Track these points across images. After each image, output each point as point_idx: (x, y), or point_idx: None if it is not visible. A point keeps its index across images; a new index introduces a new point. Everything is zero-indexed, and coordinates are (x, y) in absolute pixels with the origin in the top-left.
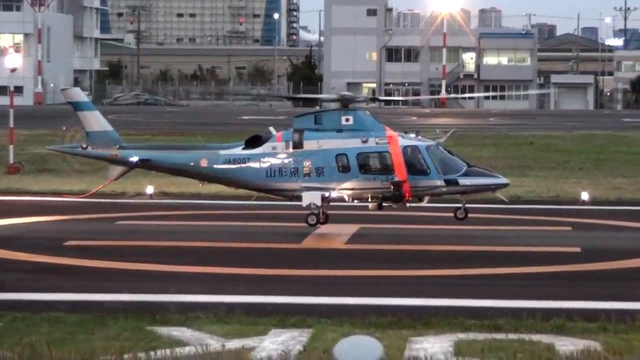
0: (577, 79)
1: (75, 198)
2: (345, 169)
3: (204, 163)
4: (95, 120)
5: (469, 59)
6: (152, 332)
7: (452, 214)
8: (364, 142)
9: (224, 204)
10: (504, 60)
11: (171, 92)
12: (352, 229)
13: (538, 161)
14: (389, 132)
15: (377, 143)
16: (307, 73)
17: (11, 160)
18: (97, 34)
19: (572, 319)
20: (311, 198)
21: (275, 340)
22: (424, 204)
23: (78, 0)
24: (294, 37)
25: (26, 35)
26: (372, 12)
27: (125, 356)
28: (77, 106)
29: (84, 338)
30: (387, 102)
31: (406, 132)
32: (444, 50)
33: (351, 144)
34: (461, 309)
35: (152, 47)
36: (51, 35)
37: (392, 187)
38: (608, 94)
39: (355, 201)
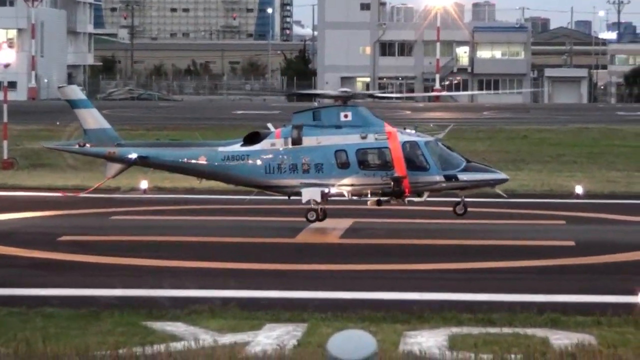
0: (570, 72)
1: (74, 194)
2: (344, 165)
3: (202, 160)
4: (93, 118)
5: (462, 53)
6: (147, 327)
7: (446, 209)
8: (363, 138)
9: (218, 199)
10: (497, 54)
11: (165, 87)
12: (346, 223)
13: (532, 155)
14: (388, 127)
15: (376, 139)
16: (300, 67)
17: (5, 156)
18: (90, 29)
19: (567, 313)
20: (311, 194)
21: (270, 335)
22: (422, 199)
23: None
24: (288, 31)
25: (20, 30)
26: (365, 7)
27: (120, 351)
28: (74, 104)
29: (79, 333)
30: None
31: (405, 128)
32: (438, 44)
33: (350, 140)
34: (455, 303)
35: (146, 42)
36: (45, 31)
37: (391, 183)
38: (602, 87)
39: (355, 197)
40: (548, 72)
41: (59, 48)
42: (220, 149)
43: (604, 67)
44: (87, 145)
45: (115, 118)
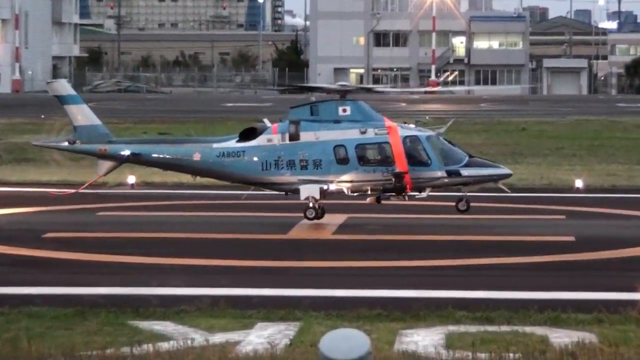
0: (570, 63)
1: (64, 194)
2: (343, 161)
3: (196, 157)
4: (83, 114)
5: (459, 43)
6: (134, 326)
7: (442, 203)
8: (363, 133)
9: (208, 194)
10: (495, 44)
11: (153, 79)
12: (339, 218)
13: (531, 148)
14: (388, 122)
15: (376, 134)
16: (292, 59)
17: None
18: (76, 19)
19: (567, 310)
20: (309, 191)
21: (262, 334)
22: (424, 195)
23: None
24: (279, 21)
25: (3, 21)
26: None
27: (107, 351)
28: (63, 100)
29: (64, 333)
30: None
31: (405, 122)
32: (434, 34)
33: (349, 135)
34: (452, 301)
35: (133, 32)
36: (29, 21)
37: (392, 179)
38: (602, 78)
39: (355, 194)
40: (547, 62)
41: (44, 39)
42: (215, 145)
43: (604, 57)
44: (77, 142)
45: (101, 111)
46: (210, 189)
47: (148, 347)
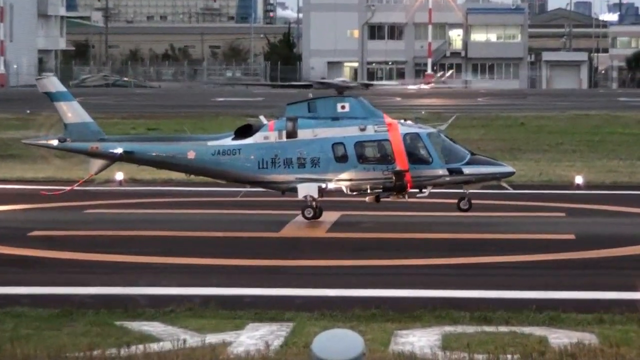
0: (570, 56)
1: (54, 194)
2: (342, 159)
3: (191, 155)
4: (74, 111)
5: (455, 36)
6: (122, 327)
7: (438, 201)
8: (362, 130)
9: (198, 191)
10: (492, 37)
11: (141, 73)
12: (333, 216)
13: (529, 143)
14: (388, 119)
15: (375, 131)
16: (285, 52)
17: None
18: (62, 11)
19: (566, 310)
20: (307, 190)
21: (253, 335)
22: (425, 194)
23: None
24: (271, 14)
25: None
26: None
27: (95, 352)
28: (53, 97)
29: (51, 334)
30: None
31: (405, 119)
32: (430, 26)
33: (348, 132)
34: (449, 300)
35: (121, 25)
36: (14, 14)
37: (393, 177)
38: (603, 72)
39: (354, 193)
40: (546, 56)
41: (29, 32)
42: (210, 143)
43: (605, 50)
44: (68, 140)
45: (88, 106)
46: (200, 186)
47: (137, 349)
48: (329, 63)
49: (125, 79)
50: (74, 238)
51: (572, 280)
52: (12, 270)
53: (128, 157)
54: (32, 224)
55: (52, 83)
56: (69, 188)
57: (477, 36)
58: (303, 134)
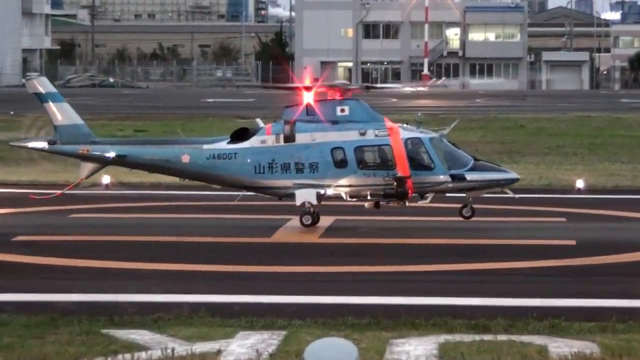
0: (570, 56)
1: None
2: (342, 164)
3: (185, 159)
4: (64, 113)
5: (453, 35)
6: (109, 335)
7: (435, 205)
8: (362, 134)
9: (187, 195)
10: (491, 36)
11: (129, 73)
12: (327, 221)
13: (529, 146)
14: (389, 123)
15: (376, 135)
16: (277, 51)
17: None
18: (47, 9)
19: (567, 318)
20: (305, 196)
21: (244, 344)
22: (426, 202)
23: None
24: (263, 12)
25: None
26: None
27: None
28: (43, 98)
29: (35, 342)
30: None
31: (407, 123)
32: (426, 25)
33: (348, 136)
34: (446, 308)
35: (108, 23)
36: None
37: (394, 183)
38: (604, 72)
39: (354, 199)
40: (546, 55)
41: (13, 31)
42: (205, 146)
43: (607, 50)
44: (58, 143)
45: (74, 107)
46: (189, 190)
47: (124, 358)
48: (322, 63)
49: (112, 79)
50: (59, 243)
51: (573, 288)
52: None
53: (120, 161)
54: (16, 228)
55: (42, 83)
56: (59, 192)
57: (475, 35)
58: (301, 138)
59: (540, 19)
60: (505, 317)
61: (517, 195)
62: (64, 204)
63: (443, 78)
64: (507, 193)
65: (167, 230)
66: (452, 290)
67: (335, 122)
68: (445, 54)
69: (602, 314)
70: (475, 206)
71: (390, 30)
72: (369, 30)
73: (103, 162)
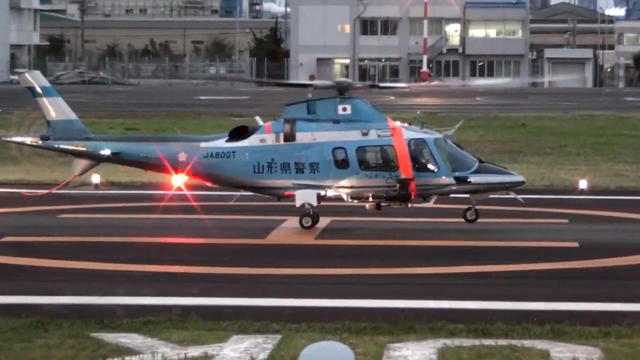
0: (573, 53)
1: (36, 194)
2: (343, 165)
3: (182, 157)
4: (58, 108)
5: (453, 32)
6: (98, 338)
7: (434, 206)
8: (364, 134)
9: (179, 195)
10: (492, 32)
11: (120, 70)
12: (323, 222)
13: (531, 145)
14: (392, 123)
15: (379, 136)
16: (272, 48)
17: None
18: (36, 4)
19: (570, 322)
20: (305, 197)
21: (237, 348)
22: (430, 204)
23: None
24: (257, 7)
25: None
26: None
27: None
28: (36, 92)
29: (23, 346)
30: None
31: (410, 123)
32: (425, 21)
33: (350, 136)
34: (445, 312)
35: (98, 19)
36: None
37: (396, 185)
38: (608, 70)
39: (355, 201)
40: (548, 52)
41: (0, 26)
42: (203, 144)
43: (611, 47)
44: (51, 138)
45: None
46: (181, 189)
47: None
48: (319, 59)
49: (103, 75)
50: (47, 244)
51: (576, 291)
52: None
53: (115, 158)
54: (3, 229)
55: (35, 77)
56: (54, 189)
57: (476, 32)
58: (302, 137)
59: (542, 15)
60: (505, 321)
61: (521, 197)
62: (53, 204)
63: (440, 78)
64: (513, 196)
65: (157, 231)
66: (451, 293)
67: (337, 121)
68: (444, 50)
69: (605, 318)
70: (476, 207)
71: (388, 26)
72: (367, 26)
73: (97, 159)
